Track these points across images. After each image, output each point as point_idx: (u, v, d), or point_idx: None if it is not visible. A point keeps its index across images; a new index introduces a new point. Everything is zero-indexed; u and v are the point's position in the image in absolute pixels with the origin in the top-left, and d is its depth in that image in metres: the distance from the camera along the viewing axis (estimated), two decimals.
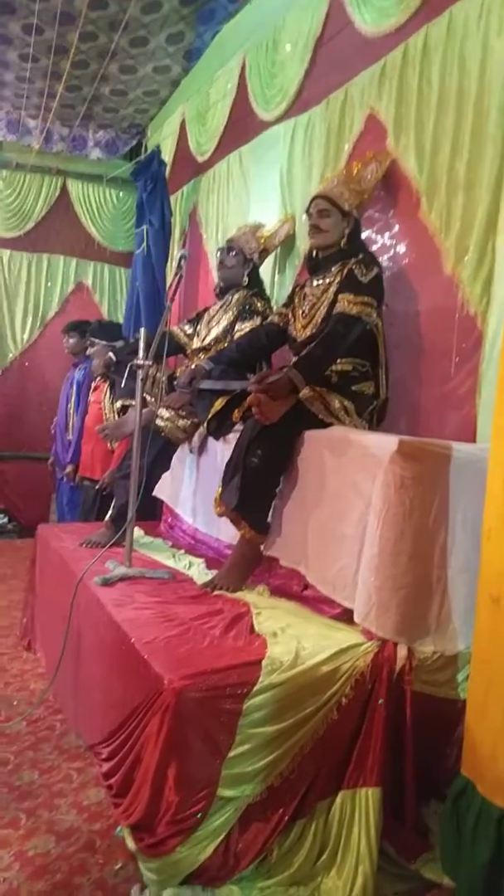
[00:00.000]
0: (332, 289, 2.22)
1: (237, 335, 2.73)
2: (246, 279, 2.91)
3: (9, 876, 1.49)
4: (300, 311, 2.37)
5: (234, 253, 2.90)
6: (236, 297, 2.89)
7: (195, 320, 3.10)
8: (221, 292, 3.00)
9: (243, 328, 2.74)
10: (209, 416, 2.36)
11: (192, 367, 2.56)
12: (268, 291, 3.06)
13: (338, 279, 2.22)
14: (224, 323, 2.85)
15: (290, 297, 2.48)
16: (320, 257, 2.39)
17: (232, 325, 2.82)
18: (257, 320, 2.74)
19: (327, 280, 2.29)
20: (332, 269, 2.28)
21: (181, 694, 1.43)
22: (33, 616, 2.85)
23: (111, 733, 1.69)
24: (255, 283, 2.95)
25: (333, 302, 2.18)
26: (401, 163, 2.44)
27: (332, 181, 2.45)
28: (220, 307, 2.95)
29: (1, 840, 1.61)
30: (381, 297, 2.20)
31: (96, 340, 3.92)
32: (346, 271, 2.20)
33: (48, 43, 3.94)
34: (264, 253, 3.04)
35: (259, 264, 3.00)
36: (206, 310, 3.10)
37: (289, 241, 3.14)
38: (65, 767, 1.94)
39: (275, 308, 2.83)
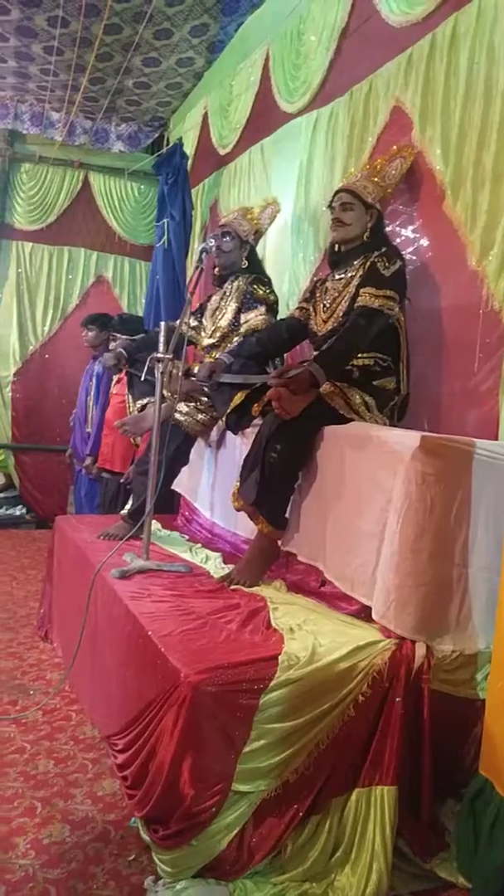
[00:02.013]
0: (354, 283, 2.20)
1: (243, 327, 2.71)
2: (245, 262, 2.87)
3: (25, 863, 1.51)
4: (321, 306, 2.35)
5: (229, 237, 2.85)
6: (236, 283, 2.84)
7: (198, 313, 3.05)
8: (220, 280, 2.95)
9: (248, 318, 2.71)
10: (228, 409, 2.35)
11: (212, 360, 2.55)
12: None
13: (360, 273, 2.20)
14: (229, 314, 2.80)
15: (312, 292, 2.46)
16: (342, 251, 2.36)
17: (236, 315, 2.78)
18: (262, 309, 2.70)
19: (349, 274, 2.26)
20: (354, 262, 2.26)
21: (197, 688, 1.43)
22: (50, 606, 2.87)
23: (127, 725, 1.69)
24: (255, 265, 2.90)
25: (355, 296, 2.15)
26: (426, 155, 2.40)
27: (356, 175, 2.42)
28: (221, 297, 2.91)
29: (17, 828, 1.62)
30: (403, 291, 2.17)
31: (118, 336, 3.93)
32: (368, 265, 2.17)
33: (73, 35, 3.95)
34: (258, 234, 3.01)
35: (255, 245, 2.96)
36: (207, 299, 3.04)
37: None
38: (80, 757, 1.95)
39: (275, 292, 2.79)
